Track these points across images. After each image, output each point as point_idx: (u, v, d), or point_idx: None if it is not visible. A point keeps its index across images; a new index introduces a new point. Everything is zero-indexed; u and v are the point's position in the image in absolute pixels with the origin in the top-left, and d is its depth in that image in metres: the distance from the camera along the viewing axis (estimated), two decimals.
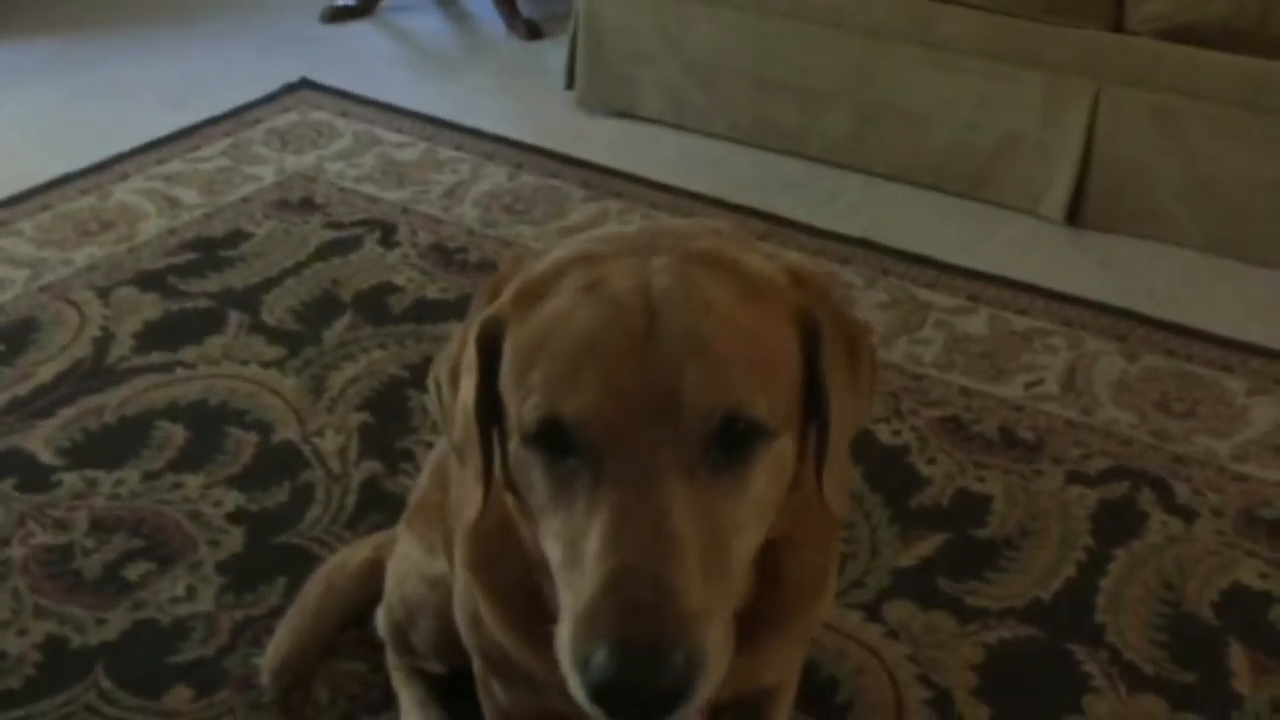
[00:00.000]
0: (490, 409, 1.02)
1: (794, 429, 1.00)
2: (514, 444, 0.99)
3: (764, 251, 1.06)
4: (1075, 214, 2.82)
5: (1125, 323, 2.46)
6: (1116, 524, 1.97)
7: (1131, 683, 1.70)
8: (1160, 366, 2.34)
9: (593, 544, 0.91)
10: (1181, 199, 2.72)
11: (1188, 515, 1.98)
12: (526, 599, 1.12)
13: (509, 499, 1.08)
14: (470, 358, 1.02)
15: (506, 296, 1.01)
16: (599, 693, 0.89)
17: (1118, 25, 2.72)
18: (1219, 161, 2.67)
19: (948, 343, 2.40)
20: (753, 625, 1.10)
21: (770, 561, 1.10)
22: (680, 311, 0.93)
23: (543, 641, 1.10)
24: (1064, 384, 2.29)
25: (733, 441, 0.94)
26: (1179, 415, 2.21)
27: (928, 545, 1.91)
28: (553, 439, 0.94)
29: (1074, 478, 2.06)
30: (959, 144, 2.91)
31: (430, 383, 1.15)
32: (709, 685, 0.90)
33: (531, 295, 0.98)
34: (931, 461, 2.08)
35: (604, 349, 0.92)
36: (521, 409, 0.95)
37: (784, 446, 0.98)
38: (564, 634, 0.92)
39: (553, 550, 0.96)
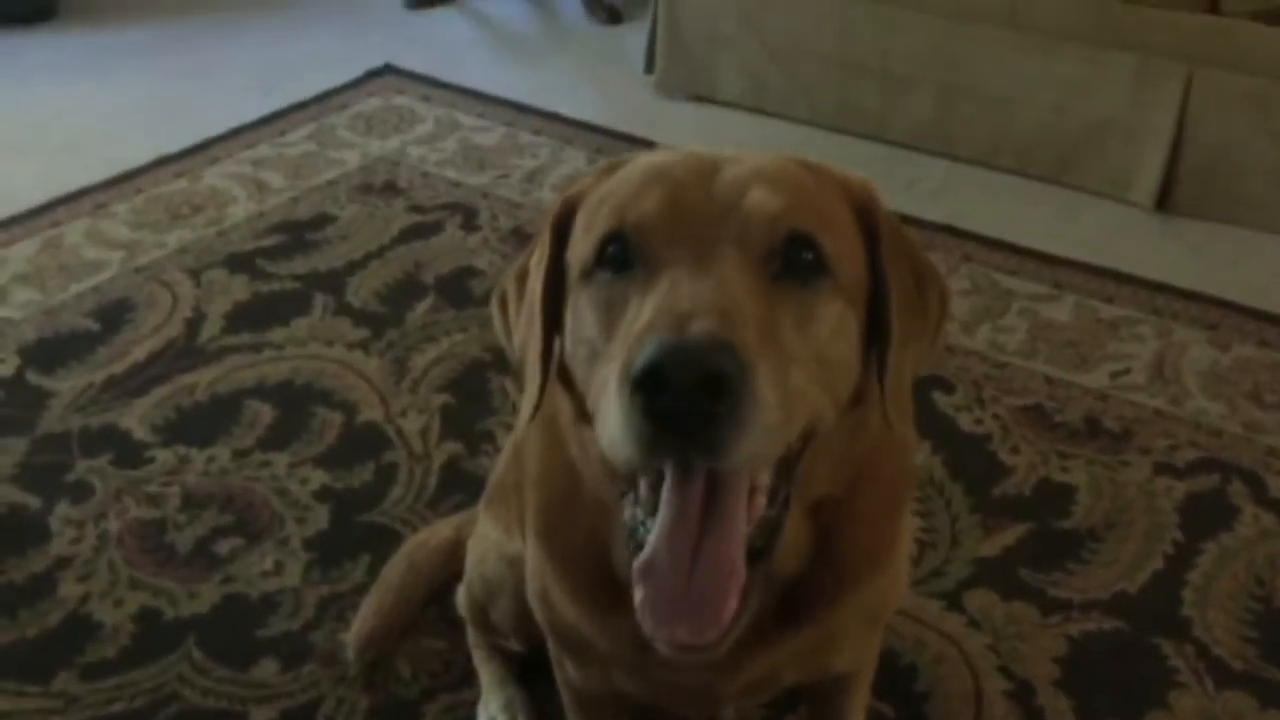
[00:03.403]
0: (554, 305, 1.04)
1: (858, 309, 1.00)
2: (574, 288, 1.00)
3: None
4: (1165, 200, 2.76)
5: (1216, 311, 2.41)
6: (1206, 517, 1.92)
7: (1219, 678, 1.67)
8: (1252, 357, 2.28)
9: (645, 314, 0.89)
10: (1275, 185, 2.65)
11: None
12: (594, 567, 1.12)
13: (569, 431, 1.08)
14: (544, 241, 1.05)
15: (587, 180, 1.06)
16: (646, 371, 0.82)
17: (1212, 7, 2.65)
18: None
19: (1031, 330, 2.36)
20: (808, 598, 1.10)
21: (826, 529, 1.09)
22: (746, 161, 1.00)
23: (609, 611, 1.11)
24: (1152, 373, 2.24)
25: (798, 268, 0.94)
26: (1272, 407, 2.16)
27: (1009, 535, 1.89)
28: (615, 255, 0.95)
29: (1162, 469, 2.02)
30: (1045, 128, 2.86)
31: (494, 297, 1.17)
32: (758, 413, 0.84)
33: (609, 169, 1.04)
34: (1014, 450, 2.05)
35: (671, 175, 0.97)
36: (585, 245, 0.98)
37: (846, 312, 0.97)
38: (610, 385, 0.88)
39: (607, 385, 0.90)
